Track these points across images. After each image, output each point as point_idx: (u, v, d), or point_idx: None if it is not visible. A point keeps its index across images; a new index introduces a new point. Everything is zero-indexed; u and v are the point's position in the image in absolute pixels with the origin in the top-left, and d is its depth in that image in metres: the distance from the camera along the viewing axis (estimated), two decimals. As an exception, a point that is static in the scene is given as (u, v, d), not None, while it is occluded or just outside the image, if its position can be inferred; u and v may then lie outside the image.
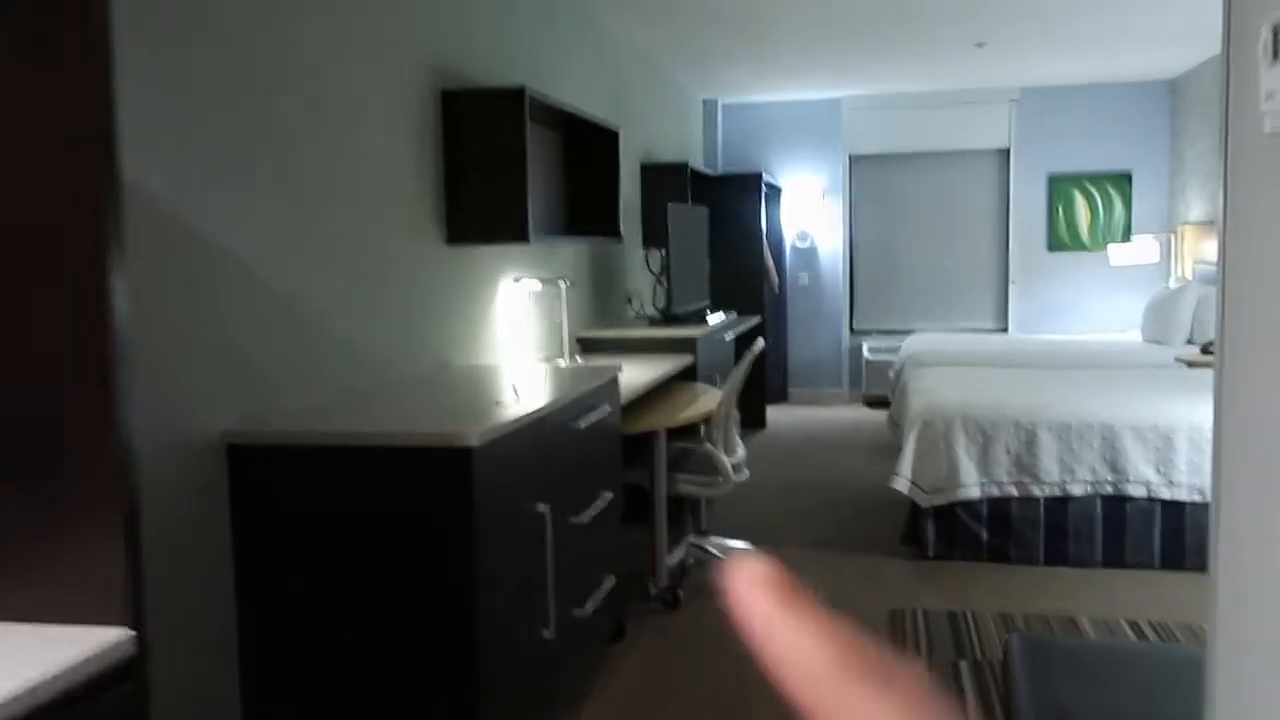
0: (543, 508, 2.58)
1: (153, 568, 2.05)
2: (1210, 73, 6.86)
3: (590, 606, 2.92)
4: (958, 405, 4.22)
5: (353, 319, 2.83)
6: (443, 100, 3.38)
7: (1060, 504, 4.08)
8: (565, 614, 2.75)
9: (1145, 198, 7.80)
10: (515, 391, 2.67)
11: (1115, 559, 4.04)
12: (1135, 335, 7.08)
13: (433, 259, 3.32)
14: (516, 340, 4.00)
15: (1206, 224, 6.79)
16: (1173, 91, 7.67)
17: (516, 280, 4.00)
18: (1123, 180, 7.81)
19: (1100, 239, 7.86)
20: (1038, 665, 2.31)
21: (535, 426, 2.53)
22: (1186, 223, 7.26)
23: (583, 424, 2.85)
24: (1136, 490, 4.00)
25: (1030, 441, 4.08)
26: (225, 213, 2.28)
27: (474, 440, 2.17)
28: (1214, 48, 6.55)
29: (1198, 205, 7.09)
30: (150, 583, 1.99)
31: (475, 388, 2.84)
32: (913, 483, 4.18)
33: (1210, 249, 6.68)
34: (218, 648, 2.25)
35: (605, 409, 3.09)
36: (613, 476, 3.26)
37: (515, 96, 3.34)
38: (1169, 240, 7.57)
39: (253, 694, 2.30)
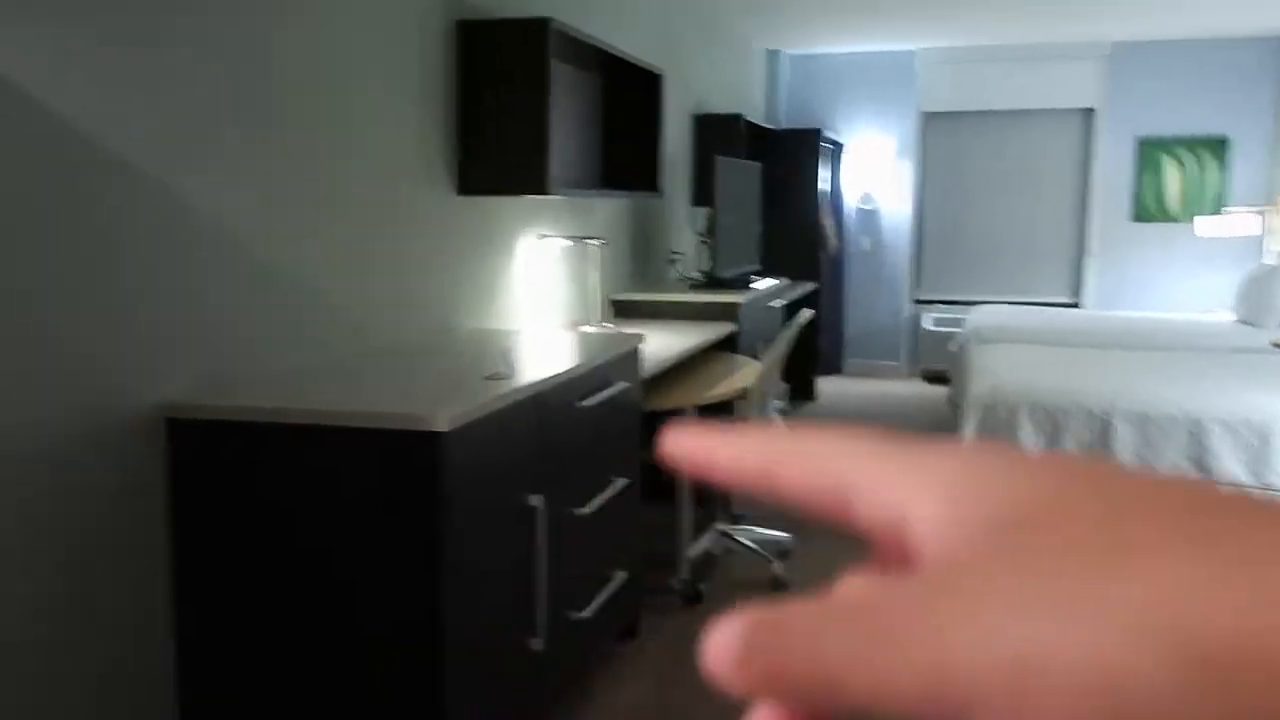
0: (536, 500, 2.26)
1: (70, 560, 1.77)
2: (1326, 29, 6.22)
3: (593, 608, 2.60)
4: (1024, 389, 3.81)
5: (340, 277, 2.52)
6: (459, 32, 3.03)
7: (1135, 505, 3.66)
8: (560, 619, 2.44)
9: (1243, 165, 7.18)
10: (506, 363, 2.34)
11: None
12: (1226, 315, 6.53)
13: (440, 211, 2.99)
14: (540, 303, 3.67)
15: (1312, 197, 6.20)
16: (1281, 50, 7.02)
17: (542, 237, 3.66)
18: (1218, 145, 7.20)
19: (1191, 209, 7.27)
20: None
21: (528, 406, 2.21)
22: (1288, 195, 6.66)
23: (590, 402, 2.52)
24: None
25: (1104, 433, 3.66)
26: (189, 154, 1.97)
27: (442, 424, 1.86)
28: (1332, 1, 5.92)
29: (1302, 176, 6.48)
30: (69, 579, 1.72)
31: (472, 358, 2.52)
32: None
33: (1315, 224, 6.10)
34: (152, 650, 1.98)
35: (621, 384, 2.76)
36: (629, 459, 2.93)
37: (539, 28, 2.99)
38: (1267, 212, 6.97)
39: (191, 703, 2.03)
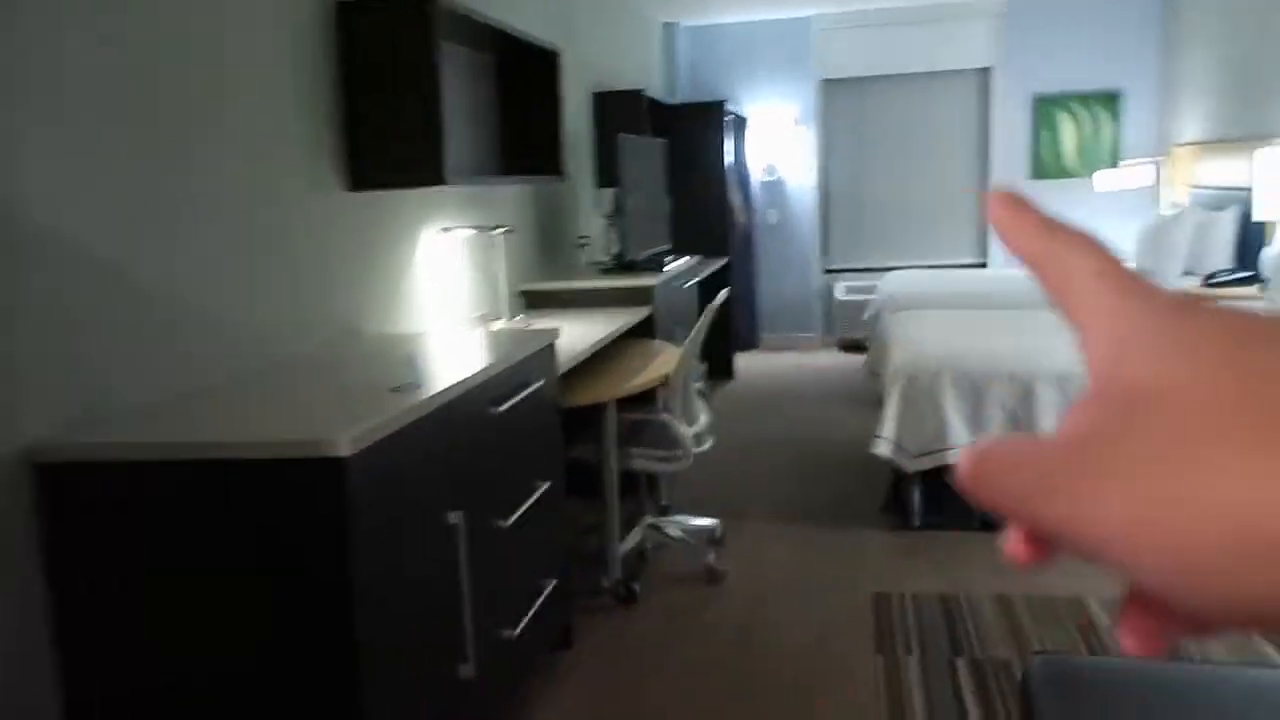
0: (454, 517, 2.11)
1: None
2: (1207, -20, 6.33)
3: (524, 624, 2.46)
4: (944, 356, 3.77)
5: (222, 289, 2.31)
6: (338, 15, 2.82)
7: (1061, 465, 3.65)
8: (489, 641, 2.29)
9: (1134, 118, 7.31)
10: (413, 371, 2.17)
11: (1122, 525, 3.62)
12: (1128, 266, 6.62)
13: (331, 210, 2.79)
14: (447, 300, 3.49)
15: (1201, 144, 6.32)
16: (1165, 2, 7.14)
17: (445, 230, 3.48)
18: (1110, 100, 7.31)
19: (1087, 164, 7.38)
20: (1066, 698, 1.88)
21: (439, 417, 2.04)
22: (1179, 144, 6.79)
23: (505, 406, 2.36)
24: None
25: (1027, 396, 3.64)
26: (38, 163, 1.75)
27: (345, 448, 1.68)
28: (1212, -48, 6.02)
29: (1192, 125, 6.61)
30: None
31: (375, 368, 2.34)
32: (896, 445, 3.73)
33: (1207, 171, 6.22)
34: (38, 699, 1.77)
35: (538, 383, 2.61)
36: (551, 460, 2.78)
37: (424, 7, 2.79)
38: (1160, 164, 7.10)
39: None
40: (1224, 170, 5.91)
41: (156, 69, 2.11)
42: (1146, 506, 0.23)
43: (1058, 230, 0.29)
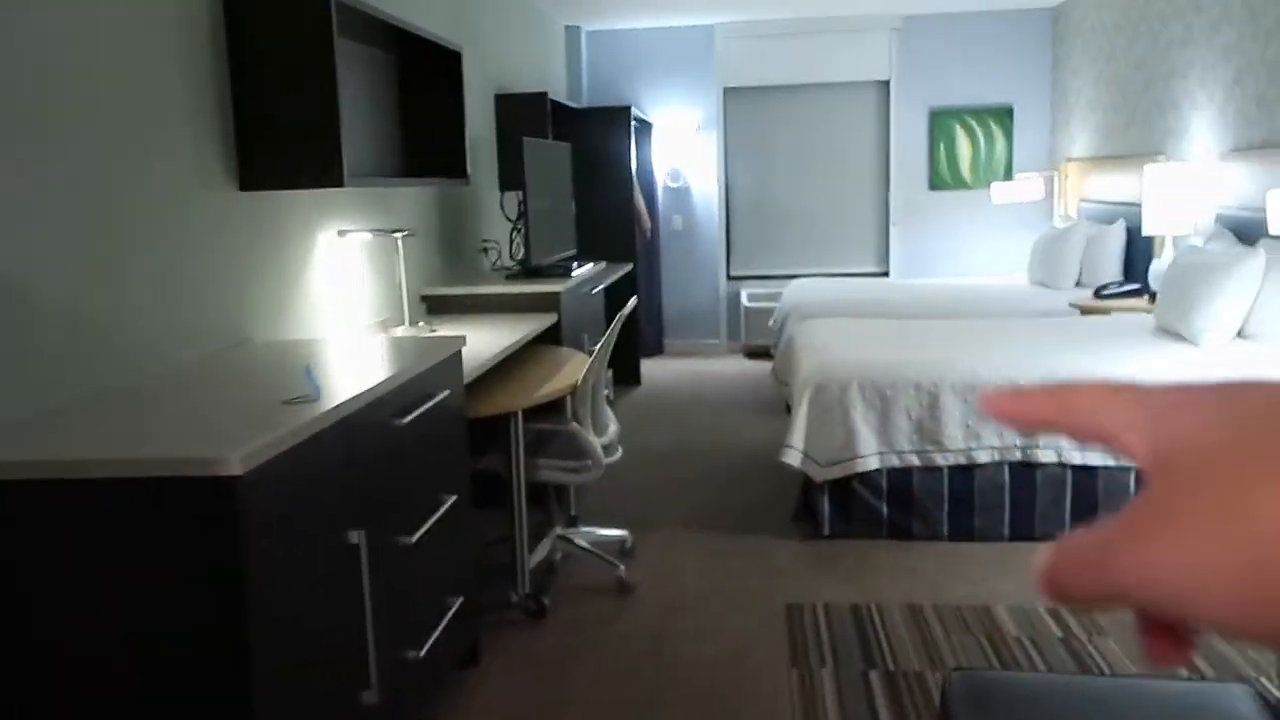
0: (356, 536, 1.99)
1: None
2: (1093, 0, 6.54)
3: (430, 644, 2.34)
4: (853, 366, 3.77)
5: (99, 296, 2.14)
6: (226, 6, 2.67)
7: (965, 473, 3.69)
8: (394, 663, 2.17)
9: (1027, 133, 7.52)
10: (309, 382, 2.05)
11: (1024, 531, 3.68)
12: (1021, 278, 6.81)
13: (219, 210, 2.63)
14: (345, 305, 3.34)
15: (1091, 160, 6.52)
16: (1055, 20, 7.36)
17: (342, 233, 3.33)
18: (1004, 115, 7.50)
19: (982, 177, 7.56)
20: (984, 713, 1.86)
21: (339, 431, 1.92)
22: (1070, 159, 7.00)
23: (408, 419, 2.25)
24: (1046, 455, 3.63)
25: (933, 405, 3.66)
26: None
27: (236, 466, 1.56)
28: (1100, -27, 6.22)
29: (1082, 140, 6.82)
30: None
31: (269, 378, 2.20)
32: (805, 455, 3.72)
33: (1096, 186, 6.42)
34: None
35: (443, 393, 2.50)
36: (457, 473, 2.67)
37: (319, 0, 2.66)
38: (1052, 178, 7.32)
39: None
40: (1112, 185, 6.11)
41: (18, 60, 1.94)
42: (1198, 550, 0.26)
43: (1057, 395, 0.33)
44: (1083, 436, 0.33)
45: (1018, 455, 3.65)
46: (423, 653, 2.31)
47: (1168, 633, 0.31)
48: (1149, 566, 0.28)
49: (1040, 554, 0.31)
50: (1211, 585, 0.26)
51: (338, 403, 1.91)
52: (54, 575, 1.59)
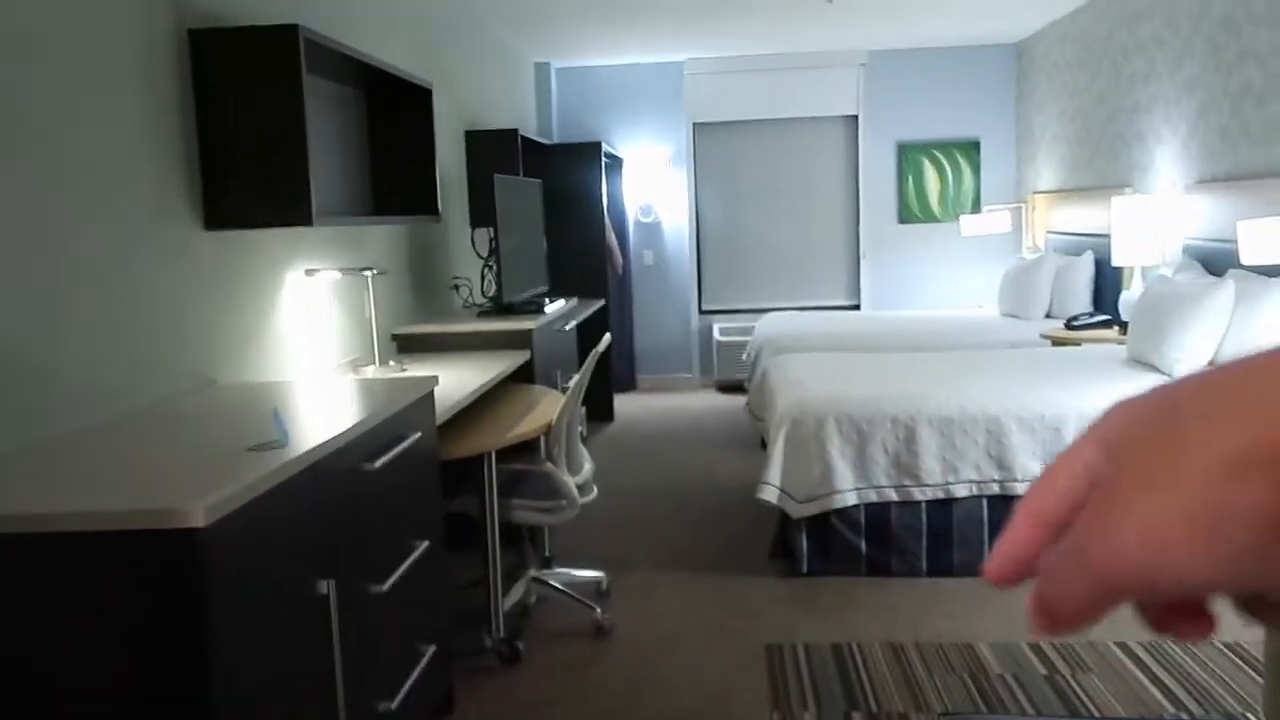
0: (325, 586, 1.92)
1: None
2: (1056, 35, 6.64)
3: (402, 695, 2.27)
4: (828, 400, 3.74)
5: (58, 336, 2.07)
6: (192, 43, 2.62)
7: (943, 507, 3.66)
8: (366, 715, 2.10)
9: (994, 166, 7.59)
10: (277, 426, 1.98)
11: (1003, 565, 3.64)
12: (991, 310, 6.84)
13: (184, 249, 2.57)
14: (313, 345, 3.28)
15: (1058, 192, 6.59)
16: (1019, 55, 7.46)
17: (310, 272, 3.27)
18: (971, 148, 7.57)
19: (950, 210, 7.62)
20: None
21: (307, 477, 1.86)
22: (1037, 191, 7.07)
23: (379, 463, 2.19)
24: (1024, 488, 3.61)
25: (910, 439, 3.64)
26: None
27: (199, 517, 1.50)
28: (1059, 10, 6.31)
29: (1048, 173, 6.89)
30: None
31: (234, 422, 2.13)
32: (782, 491, 3.68)
33: (1063, 218, 6.48)
34: None
35: (415, 435, 2.44)
36: (430, 517, 2.61)
37: (287, 37, 2.62)
38: (1020, 210, 7.38)
39: None
40: (1079, 216, 6.16)
41: (-18, 92, 1.88)
42: (1155, 511, 0.29)
43: (1033, 515, 0.34)
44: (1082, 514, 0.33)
45: (995, 489, 3.63)
46: (395, 704, 2.23)
47: (1181, 612, 0.32)
48: (1118, 549, 0.29)
49: (1029, 593, 0.32)
50: (1173, 542, 0.28)
51: (307, 448, 1.85)
52: (7, 633, 1.52)
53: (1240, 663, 2.89)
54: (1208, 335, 3.84)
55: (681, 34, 6.65)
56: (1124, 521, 0.29)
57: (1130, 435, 0.31)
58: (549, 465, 3.15)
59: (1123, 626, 3.16)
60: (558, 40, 6.68)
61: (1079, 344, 4.90)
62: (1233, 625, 3.05)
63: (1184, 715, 2.61)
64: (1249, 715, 2.59)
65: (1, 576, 1.51)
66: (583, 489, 3.27)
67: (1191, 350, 3.85)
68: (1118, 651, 2.98)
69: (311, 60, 2.97)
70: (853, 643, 3.13)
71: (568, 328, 4.81)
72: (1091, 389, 3.75)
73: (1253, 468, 0.27)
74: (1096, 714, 2.64)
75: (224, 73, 2.64)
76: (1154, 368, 4.03)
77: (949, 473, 3.63)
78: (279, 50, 2.62)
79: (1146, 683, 2.79)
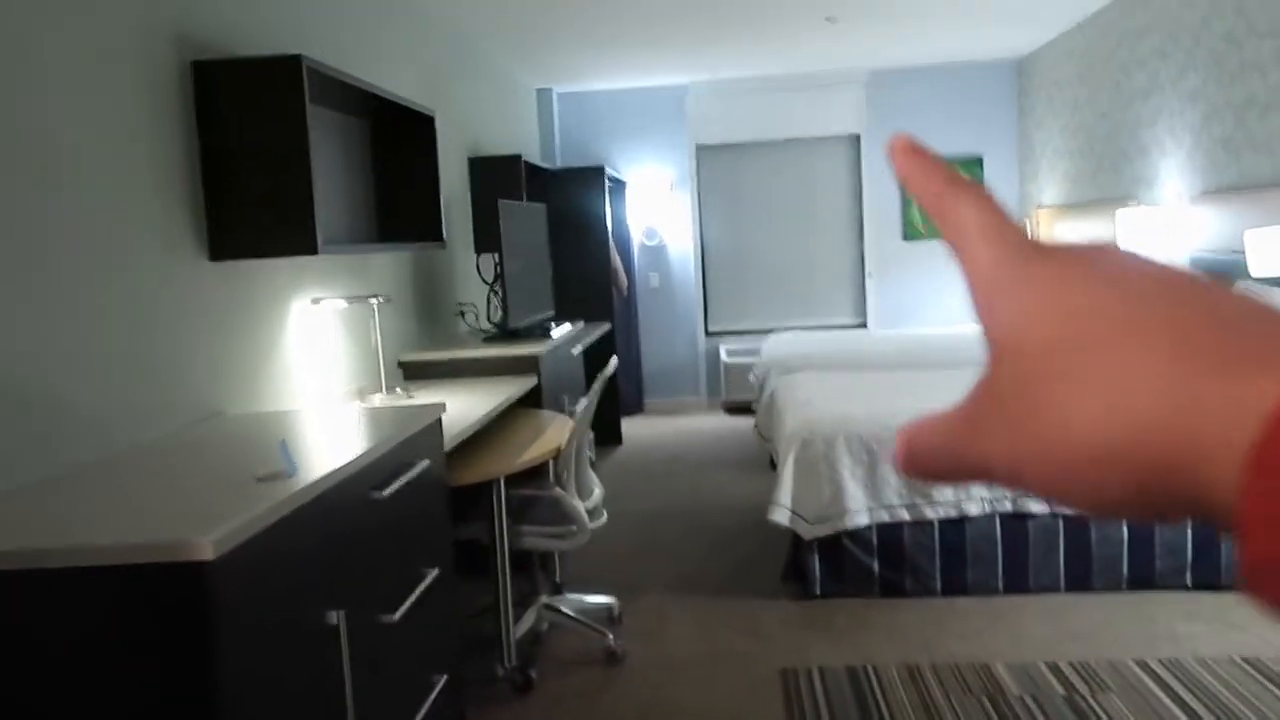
0: (335, 617, 1.90)
1: None
2: (1056, 52, 6.65)
3: (412, 727, 2.25)
4: (838, 420, 3.72)
5: (66, 369, 2.07)
6: (195, 75, 2.63)
7: (956, 526, 3.63)
8: (376, 748, 2.07)
9: (998, 182, 7.59)
10: (285, 457, 1.97)
11: (1018, 584, 3.61)
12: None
13: (190, 281, 2.57)
14: (320, 374, 3.27)
15: (1062, 206, 6.58)
16: (1020, 72, 7.47)
17: (316, 301, 3.27)
18: (974, 165, 7.58)
19: (955, 226, 7.60)
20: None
21: (316, 507, 1.85)
22: (1041, 206, 7.06)
23: (388, 491, 2.17)
24: (1038, 505, 3.58)
25: (920, 457, 3.61)
26: None
27: (207, 550, 1.48)
28: (1060, 26, 6.33)
29: (1051, 188, 6.88)
30: None
31: (242, 453, 2.12)
32: (793, 512, 3.65)
33: (1068, 232, 6.46)
34: None
35: (424, 462, 2.42)
36: (439, 545, 2.59)
37: (290, 67, 2.63)
38: (1024, 225, 7.36)
39: None
40: (1084, 231, 6.14)
41: (-13, 128, 1.89)
42: (1018, 447, 0.28)
43: (955, 180, 0.32)
44: (946, 238, 0.32)
45: (1008, 506, 3.60)
46: (407, 736, 2.21)
47: None
48: (985, 456, 0.30)
49: (902, 434, 0.33)
50: (1033, 478, 0.28)
51: (315, 478, 1.83)
52: (14, 671, 1.50)
53: (1265, 680, 2.85)
54: (1218, 348, 3.81)
55: (683, 57, 6.68)
56: (995, 447, 0.29)
57: (1026, 337, 0.28)
58: (558, 490, 3.13)
59: (1142, 645, 3.12)
60: (559, 66, 6.71)
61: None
62: (1255, 643, 3.01)
63: (1207, 734, 2.57)
64: (1273, 733, 2.55)
65: (10, 613, 1.49)
66: (593, 514, 3.25)
67: (1202, 363, 3.82)
68: (1138, 670, 2.94)
69: (315, 90, 2.97)
70: (868, 665, 3.09)
71: (574, 352, 4.80)
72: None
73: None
74: (1118, 734, 2.61)
75: (228, 104, 2.64)
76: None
77: (961, 491, 3.60)
78: (283, 81, 2.62)
79: (1168, 702, 2.75)
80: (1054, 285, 0.29)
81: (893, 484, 3.62)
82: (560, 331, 4.51)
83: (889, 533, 3.64)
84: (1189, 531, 3.54)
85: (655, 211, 7.76)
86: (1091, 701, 2.78)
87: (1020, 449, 0.28)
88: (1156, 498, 0.26)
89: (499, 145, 6.02)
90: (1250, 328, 0.26)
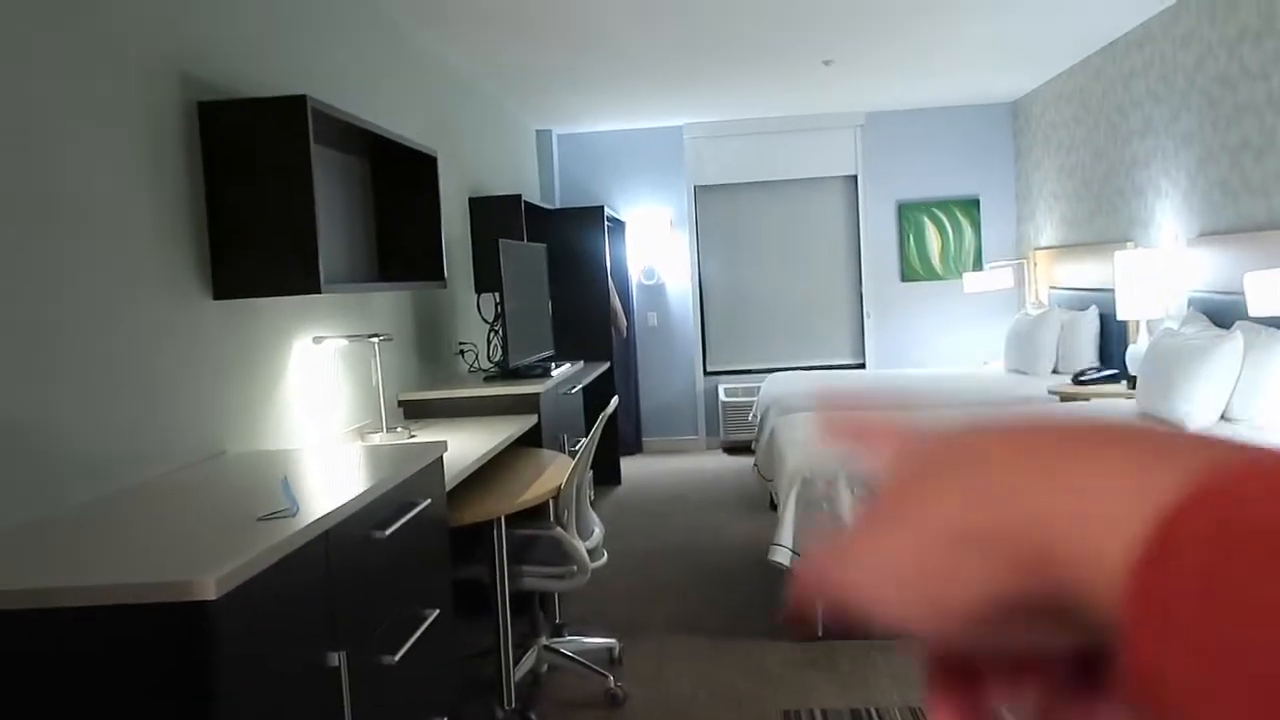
0: (336, 658, 1.88)
1: None
2: (1051, 93, 6.72)
3: (412, 770, 2.22)
4: (838, 459, 3.71)
5: (67, 408, 2.06)
6: (201, 115, 2.65)
7: (959, 566, 3.60)
8: (375, 792, 2.04)
9: (994, 223, 7.63)
10: (286, 496, 1.96)
11: (1022, 624, 3.58)
12: (998, 366, 6.83)
13: (192, 320, 2.57)
14: (322, 413, 3.26)
15: (1059, 248, 6.62)
16: (1015, 114, 7.55)
17: (317, 340, 3.27)
18: (971, 206, 7.63)
19: (952, 267, 7.65)
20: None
21: (317, 547, 1.84)
22: (1038, 247, 7.10)
23: (389, 530, 2.16)
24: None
25: (922, 497, 3.60)
26: None
27: (209, 590, 1.47)
28: (1054, 69, 6.40)
29: (1049, 229, 6.92)
30: None
31: (243, 492, 2.11)
32: (795, 553, 3.63)
33: (1066, 273, 6.50)
34: None
35: (424, 501, 2.41)
36: (440, 585, 2.57)
37: (295, 107, 2.65)
38: (1022, 266, 7.41)
39: None
40: (1082, 272, 6.18)
41: (-5, 166, 1.90)
42: (881, 561, 0.30)
43: (858, 426, 0.38)
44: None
45: (1011, 546, 3.58)
46: (406, 780, 2.18)
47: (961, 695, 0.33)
48: (854, 583, 0.31)
49: (802, 567, 0.34)
50: (890, 592, 0.29)
51: (316, 517, 1.82)
52: (16, 710, 1.48)
53: None
54: (1217, 388, 3.82)
55: (681, 99, 6.74)
56: (860, 567, 0.31)
57: (896, 478, 0.32)
58: (559, 530, 3.11)
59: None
60: (559, 108, 6.77)
61: (1088, 399, 4.88)
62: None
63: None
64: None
65: (12, 652, 1.48)
66: (593, 553, 3.23)
67: (1202, 403, 3.83)
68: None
69: (319, 130, 3.00)
70: (872, 707, 3.06)
71: (574, 391, 4.80)
72: (1104, 443, 3.72)
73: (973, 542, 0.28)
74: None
75: (233, 144, 2.66)
76: (1165, 421, 4.00)
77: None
78: (287, 121, 2.64)
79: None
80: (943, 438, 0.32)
81: (894, 524, 3.60)
82: (560, 371, 4.51)
83: (891, 573, 3.62)
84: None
85: (654, 251, 7.80)
86: (1098, 745, 2.75)
87: (881, 564, 0.30)
88: (1016, 599, 0.27)
89: (499, 185, 6.06)
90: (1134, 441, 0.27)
